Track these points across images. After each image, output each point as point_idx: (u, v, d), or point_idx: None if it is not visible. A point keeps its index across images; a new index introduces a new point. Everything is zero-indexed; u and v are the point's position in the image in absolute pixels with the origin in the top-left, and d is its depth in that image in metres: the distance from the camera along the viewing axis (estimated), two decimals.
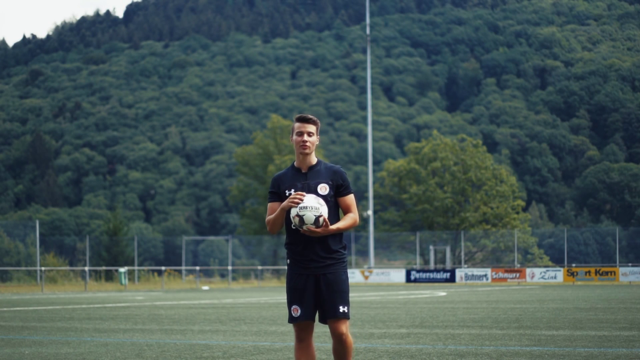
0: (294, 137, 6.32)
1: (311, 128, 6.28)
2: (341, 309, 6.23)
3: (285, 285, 6.42)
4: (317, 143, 6.36)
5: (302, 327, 6.30)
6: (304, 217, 6.11)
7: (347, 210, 6.36)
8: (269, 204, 6.41)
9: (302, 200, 6.13)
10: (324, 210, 6.15)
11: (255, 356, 9.77)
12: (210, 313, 19.09)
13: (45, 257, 51.09)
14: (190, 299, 28.40)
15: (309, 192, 6.24)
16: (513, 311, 18.50)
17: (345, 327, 6.25)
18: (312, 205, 6.12)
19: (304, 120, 6.30)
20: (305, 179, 6.31)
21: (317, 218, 6.12)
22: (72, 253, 63.93)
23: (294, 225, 6.20)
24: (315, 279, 6.27)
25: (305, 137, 6.27)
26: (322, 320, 6.34)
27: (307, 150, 6.28)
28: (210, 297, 31.12)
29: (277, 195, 6.35)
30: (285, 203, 6.20)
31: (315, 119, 6.34)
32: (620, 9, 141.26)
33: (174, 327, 14.67)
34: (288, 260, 6.38)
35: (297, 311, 6.26)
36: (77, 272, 50.96)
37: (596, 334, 12.17)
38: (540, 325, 13.92)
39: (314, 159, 6.36)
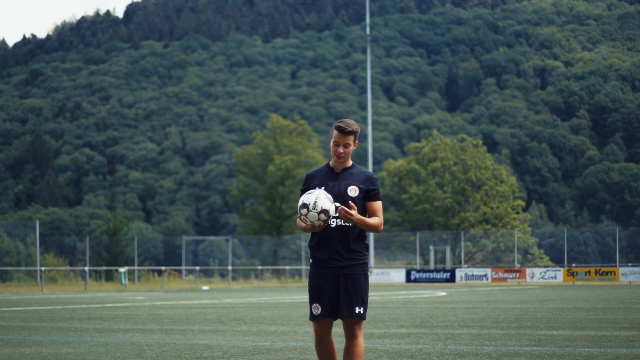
0: (332, 144, 6.39)
1: (349, 139, 6.35)
2: (357, 309, 6.38)
3: (307, 284, 6.53)
4: (354, 148, 6.43)
5: (322, 325, 6.42)
6: (329, 210, 6.12)
7: (373, 215, 6.43)
8: None
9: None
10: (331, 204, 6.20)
11: (255, 356, 9.77)
12: (210, 313, 19.09)
13: (45, 257, 51.06)
14: (190, 299, 28.40)
15: (339, 192, 6.32)
16: (513, 311, 18.50)
17: (358, 327, 6.41)
18: (318, 196, 6.15)
19: (343, 132, 6.32)
20: (337, 179, 6.41)
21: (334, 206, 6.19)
22: (72, 253, 63.90)
23: (323, 221, 6.18)
24: (336, 277, 6.39)
25: (341, 149, 6.35)
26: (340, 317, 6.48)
27: (341, 160, 6.41)
28: (210, 297, 31.11)
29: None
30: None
31: (354, 128, 6.34)
32: (620, 9, 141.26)
33: (174, 327, 14.67)
34: (311, 260, 6.49)
35: (317, 309, 6.38)
36: (77, 272, 50.94)
37: (596, 334, 12.17)
38: (540, 325, 13.91)
39: (349, 162, 6.47)
